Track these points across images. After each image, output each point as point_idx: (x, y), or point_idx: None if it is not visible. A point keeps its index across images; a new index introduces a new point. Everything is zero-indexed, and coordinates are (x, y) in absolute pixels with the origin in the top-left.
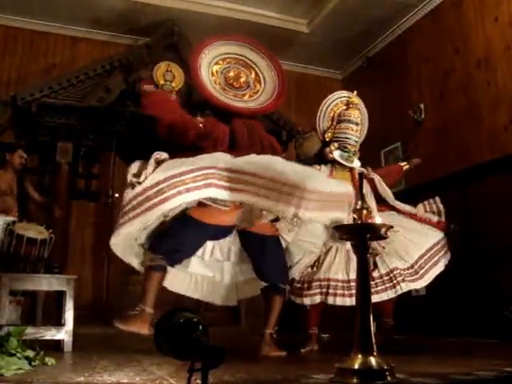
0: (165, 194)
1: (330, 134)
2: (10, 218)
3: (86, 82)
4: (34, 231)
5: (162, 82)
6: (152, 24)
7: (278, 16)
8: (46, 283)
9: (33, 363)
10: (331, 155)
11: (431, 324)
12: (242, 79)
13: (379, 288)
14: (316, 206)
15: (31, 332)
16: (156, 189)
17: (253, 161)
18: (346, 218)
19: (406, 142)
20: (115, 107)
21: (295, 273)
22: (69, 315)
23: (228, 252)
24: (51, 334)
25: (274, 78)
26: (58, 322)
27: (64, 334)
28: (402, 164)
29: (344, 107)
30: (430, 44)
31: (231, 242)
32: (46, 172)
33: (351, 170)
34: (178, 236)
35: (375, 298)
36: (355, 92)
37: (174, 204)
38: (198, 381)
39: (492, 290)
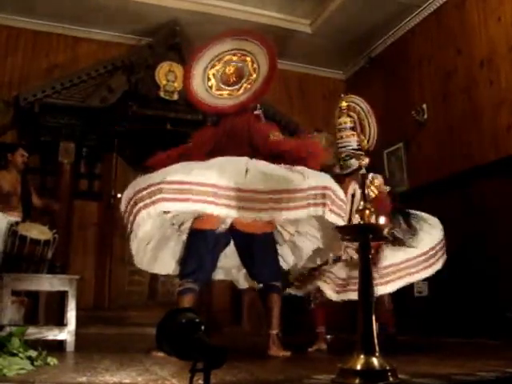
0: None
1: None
2: (14, 219)
3: (88, 82)
4: (38, 232)
5: (164, 82)
6: (154, 24)
7: (280, 16)
8: (49, 283)
9: (35, 363)
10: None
11: (433, 324)
12: (238, 73)
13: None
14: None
15: (33, 332)
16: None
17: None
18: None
19: (408, 142)
20: (117, 107)
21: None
22: (71, 315)
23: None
24: (53, 334)
25: (264, 64)
26: (61, 322)
27: (66, 334)
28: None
29: (338, 115)
30: (432, 44)
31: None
32: (48, 172)
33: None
34: (194, 253)
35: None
36: (342, 95)
37: (173, 208)
38: (200, 381)
39: (494, 291)
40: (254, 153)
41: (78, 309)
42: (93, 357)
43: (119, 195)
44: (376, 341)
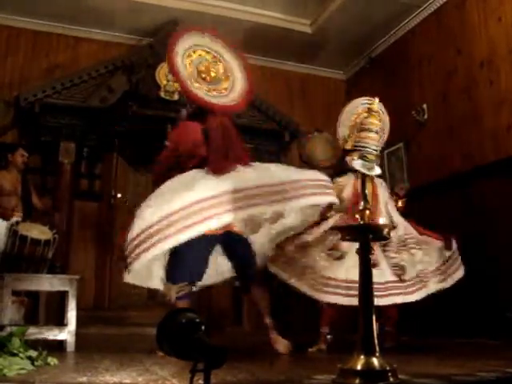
0: (166, 232)
1: (350, 143)
2: (14, 219)
3: (88, 82)
4: (38, 232)
5: (164, 82)
6: (155, 24)
7: (280, 16)
8: (49, 283)
9: (35, 363)
10: (353, 165)
11: (433, 324)
12: (213, 74)
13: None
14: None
15: (34, 332)
16: (156, 227)
17: (235, 180)
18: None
19: (408, 142)
20: (118, 107)
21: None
22: (71, 315)
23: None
24: (54, 334)
25: (241, 76)
26: (61, 322)
27: (66, 334)
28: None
29: (365, 115)
30: (433, 45)
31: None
32: (48, 172)
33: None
34: (187, 256)
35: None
36: (377, 99)
37: (176, 242)
38: (201, 381)
39: (494, 291)
40: None
41: (78, 309)
42: (93, 357)
43: (119, 195)
44: (376, 341)
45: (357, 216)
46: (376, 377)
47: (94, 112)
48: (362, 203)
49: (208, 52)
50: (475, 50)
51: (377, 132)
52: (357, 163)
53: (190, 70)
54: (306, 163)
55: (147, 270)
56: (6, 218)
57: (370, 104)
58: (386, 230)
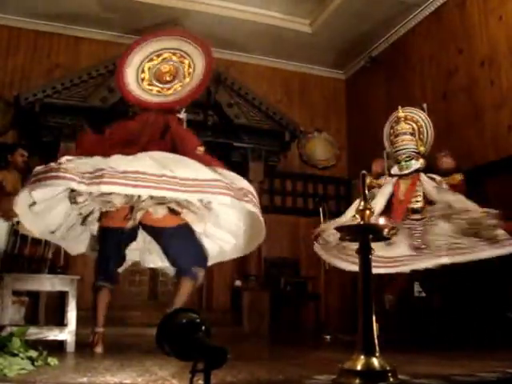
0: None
1: (393, 152)
2: (15, 218)
3: (89, 82)
4: None
5: None
6: (155, 24)
7: (280, 16)
8: (49, 283)
9: (35, 363)
10: (392, 171)
11: (433, 325)
12: (173, 72)
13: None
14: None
15: (34, 332)
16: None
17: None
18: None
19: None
20: (118, 107)
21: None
22: (71, 315)
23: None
24: (54, 334)
25: (201, 70)
26: (61, 323)
27: (67, 334)
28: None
29: (394, 124)
30: (433, 44)
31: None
32: None
33: (417, 175)
34: (104, 252)
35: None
36: (400, 107)
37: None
38: (201, 381)
39: (494, 291)
40: (174, 150)
41: (79, 309)
42: (93, 357)
43: None
44: (376, 341)
45: (357, 216)
46: (376, 377)
47: (95, 112)
48: (362, 203)
49: (174, 53)
50: (476, 49)
51: (411, 133)
52: (392, 170)
53: (144, 75)
54: (306, 163)
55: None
56: (7, 219)
57: (397, 114)
58: (385, 230)
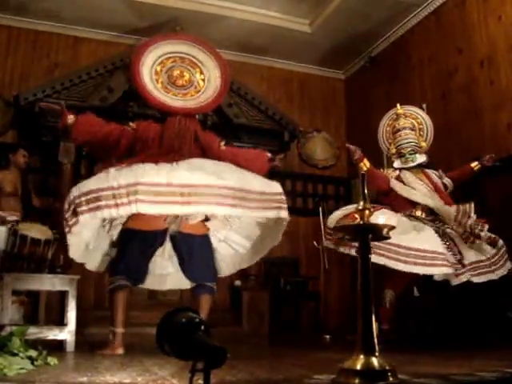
0: (96, 204)
1: (393, 149)
2: (14, 218)
3: (88, 82)
4: (38, 231)
5: None
6: (155, 24)
7: (280, 16)
8: (49, 283)
9: (35, 363)
10: (395, 165)
11: (433, 324)
12: (186, 78)
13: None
14: (249, 204)
15: (34, 332)
16: (88, 197)
17: (180, 172)
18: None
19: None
20: (118, 107)
21: (224, 270)
22: (71, 315)
23: (168, 262)
24: (54, 333)
25: (217, 78)
26: (61, 322)
27: (66, 333)
28: (473, 165)
29: (393, 121)
30: (432, 44)
31: (168, 252)
32: (48, 172)
33: (423, 170)
34: (128, 254)
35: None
36: (398, 105)
37: (102, 216)
38: (200, 381)
39: (494, 291)
40: (204, 155)
41: (78, 309)
42: (93, 357)
43: None
44: (376, 341)
45: (356, 216)
46: (376, 377)
47: (94, 112)
48: (362, 203)
49: (183, 58)
50: (475, 49)
51: (410, 128)
52: (395, 164)
53: (157, 77)
54: (306, 163)
55: (88, 252)
56: (3, 223)
57: (395, 111)
58: (385, 230)
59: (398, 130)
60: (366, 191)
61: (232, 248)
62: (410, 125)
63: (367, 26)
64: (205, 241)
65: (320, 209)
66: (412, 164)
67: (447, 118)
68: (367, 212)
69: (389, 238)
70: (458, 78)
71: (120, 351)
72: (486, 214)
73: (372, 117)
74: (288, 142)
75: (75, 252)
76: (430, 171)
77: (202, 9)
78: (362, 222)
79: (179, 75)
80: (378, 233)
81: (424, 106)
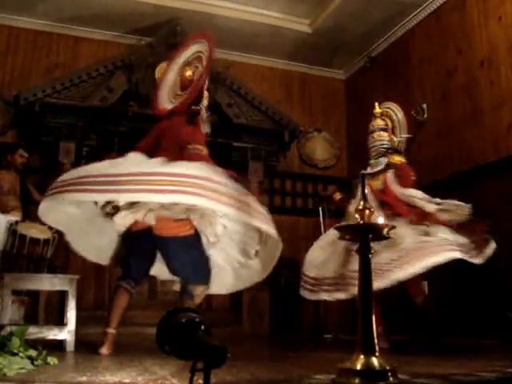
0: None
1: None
2: (13, 218)
3: (88, 81)
4: (37, 231)
5: None
6: (155, 24)
7: (280, 16)
8: (49, 283)
9: (35, 363)
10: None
11: (433, 324)
12: (189, 78)
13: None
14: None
15: (33, 332)
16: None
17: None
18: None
19: (408, 142)
20: (118, 107)
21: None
22: (71, 315)
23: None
24: (53, 333)
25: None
26: (61, 322)
27: (66, 333)
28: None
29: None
30: (432, 44)
31: None
32: (48, 172)
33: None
34: (131, 254)
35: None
36: (376, 103)
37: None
38: (200, 381)
39: (494, 291)
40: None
41: (78, 309)
42: (93, 357)
43: None
44: (376, 341)
45: (356, 216)
46: (376, 377)
47: (94, 112)
48: (362, 203)
49: (197, 58)
50: (475, 50)
51: (384, 130)
52: (368, 170)
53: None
54: (306, 163)
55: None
56: (5, 212)
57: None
58: (385, 230)
59: (372, 132)
60: (365, 191)
61: (228, 263)
62: (383, 125)
63: (367, 26)
64: (188, 240)
65: (320, 209)
66: (376, 169)
67: (447, 119)
68: (367, 212)
69: (389, 237)
70: (458, 79)
71: (104, 351)
72: (486, 214)
73: (372, 117)
74: (288, 142)
75: (58, 222)
76: (390, 172)
77: (201, 9)
78: (362, 222)
79: (189, 75)
80: (378, 233)
81: (424, 106)
